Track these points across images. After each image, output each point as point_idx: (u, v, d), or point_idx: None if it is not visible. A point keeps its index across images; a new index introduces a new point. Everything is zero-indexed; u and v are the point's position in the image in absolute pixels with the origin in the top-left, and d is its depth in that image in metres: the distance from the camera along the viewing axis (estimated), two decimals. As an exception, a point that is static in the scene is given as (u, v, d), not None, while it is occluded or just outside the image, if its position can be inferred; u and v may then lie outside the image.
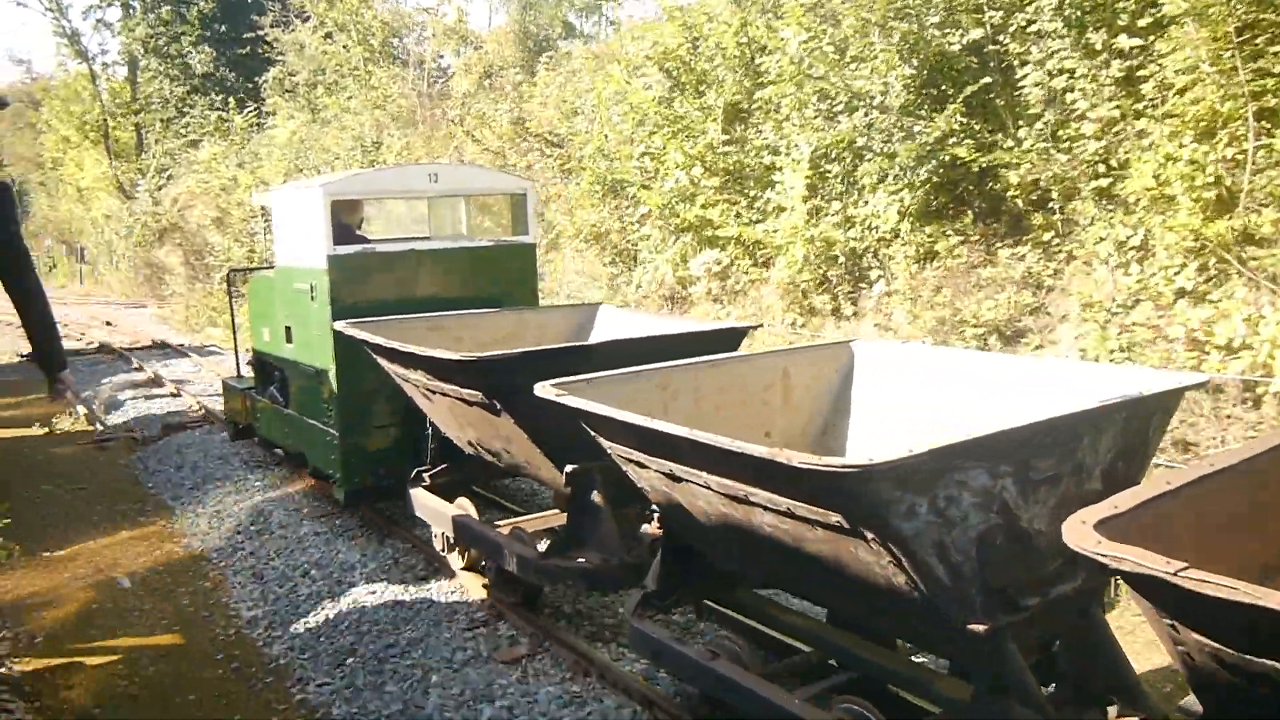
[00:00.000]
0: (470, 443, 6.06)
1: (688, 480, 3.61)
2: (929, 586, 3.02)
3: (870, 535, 2.93)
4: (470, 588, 6.19)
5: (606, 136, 12.01)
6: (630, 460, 3.96)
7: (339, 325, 6.16)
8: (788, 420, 4.87)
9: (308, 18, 24.54)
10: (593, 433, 4.08)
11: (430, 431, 6.59)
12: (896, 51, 8.14)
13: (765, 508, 3.27)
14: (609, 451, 4.09)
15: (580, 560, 5.14)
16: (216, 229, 21.65)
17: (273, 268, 8.98)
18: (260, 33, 25.52)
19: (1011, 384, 4.40)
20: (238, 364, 9.32)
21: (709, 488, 3.49)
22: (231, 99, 27.64)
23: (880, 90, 8.26)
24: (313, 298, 6.97)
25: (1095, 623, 3.50)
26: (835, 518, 2.96)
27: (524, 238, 7.55)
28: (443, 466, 6.64)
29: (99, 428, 11.11)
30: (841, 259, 8.93)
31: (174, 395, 14.11)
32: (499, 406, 5.08)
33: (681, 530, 4.23)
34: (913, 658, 4.34)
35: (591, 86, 13.01)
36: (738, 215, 10.01)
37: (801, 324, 9.03)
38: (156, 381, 14.96)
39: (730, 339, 5.78)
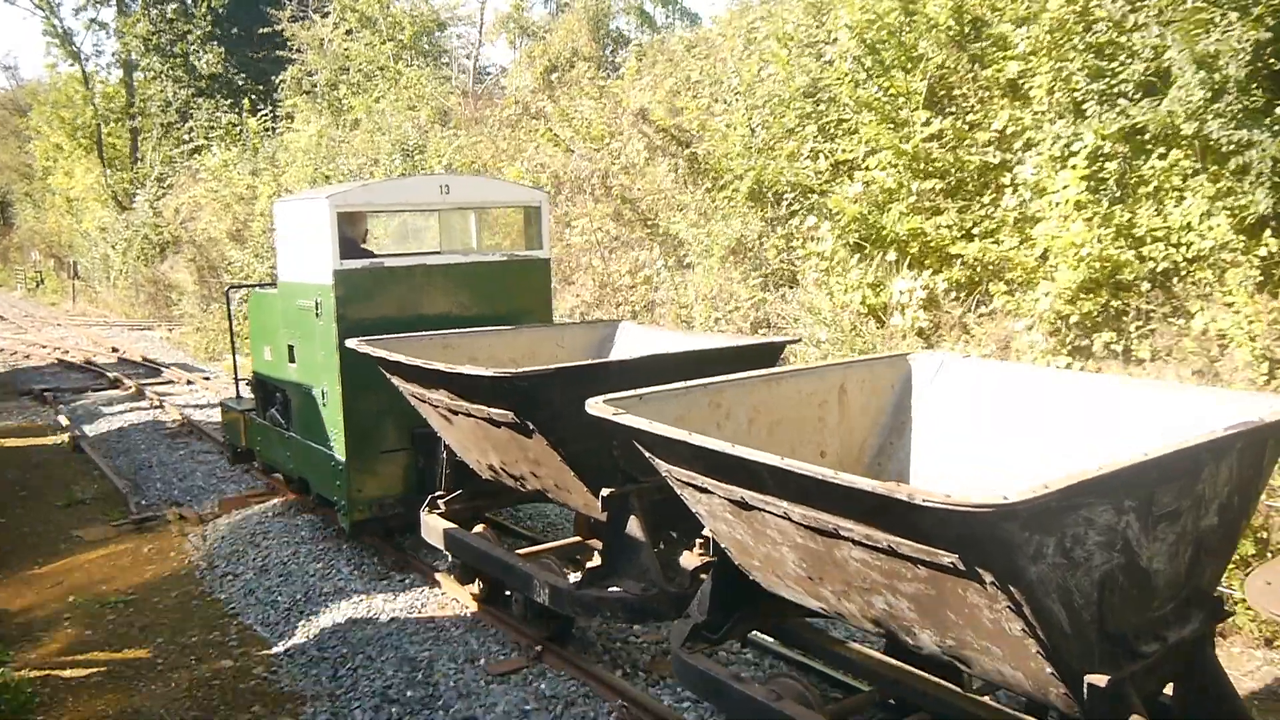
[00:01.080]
0: (491, 467, 5.72)
1: (762, 509, 3.30)
2: (1049, 634, 2.72)
3: (989, 579, 2.62)
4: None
5: (753, 130, 9.68)
6: (690, 484, 3.64)
7: (351, 342, 5.82)
8: (843, 439, 4.57)
9: (327, 12, 22.81)
10: (648, 453, 3.77)
11: (444, 455, 6.25)
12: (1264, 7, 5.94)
13: (857, 543, 2.96)
14: (666, 474, 3.77)
15: (618, 590, 4.82)
16: (234, 243, 19.30)
17: (274, 284, 8.64)
18: (276, 27, 23.89)
19: (1083, 405, 4.13)
20: (236, 384, 8.93)
21: (788, 518, 3.18)
22: (246, 100, 25.52)
23: (1219, 59, 6.07)
24: (318, 315, 6.62)
25: (1211, 668, 3.21)
26: (949, 558, 2.65)
27: (538, 252, 7.23)
28: (457, 492, 6.31)
29: (134, 504, 8.87)
30: (1146, 284, 6.52)
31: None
32: (531, 427, 4.75)
33: (741, 560, 3.91)
34: (976, 693, 4.04)
35: (734, 70, 10.56)
36: (966, 227, 7.70)
37: (1078, 368, 6.62)
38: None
39: (769, 354, 5.49)
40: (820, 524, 3.05)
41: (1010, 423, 4.34)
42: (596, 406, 3.75)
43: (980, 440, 4.42)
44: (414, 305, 6.72)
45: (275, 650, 5.91)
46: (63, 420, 12.78)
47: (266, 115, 23.46)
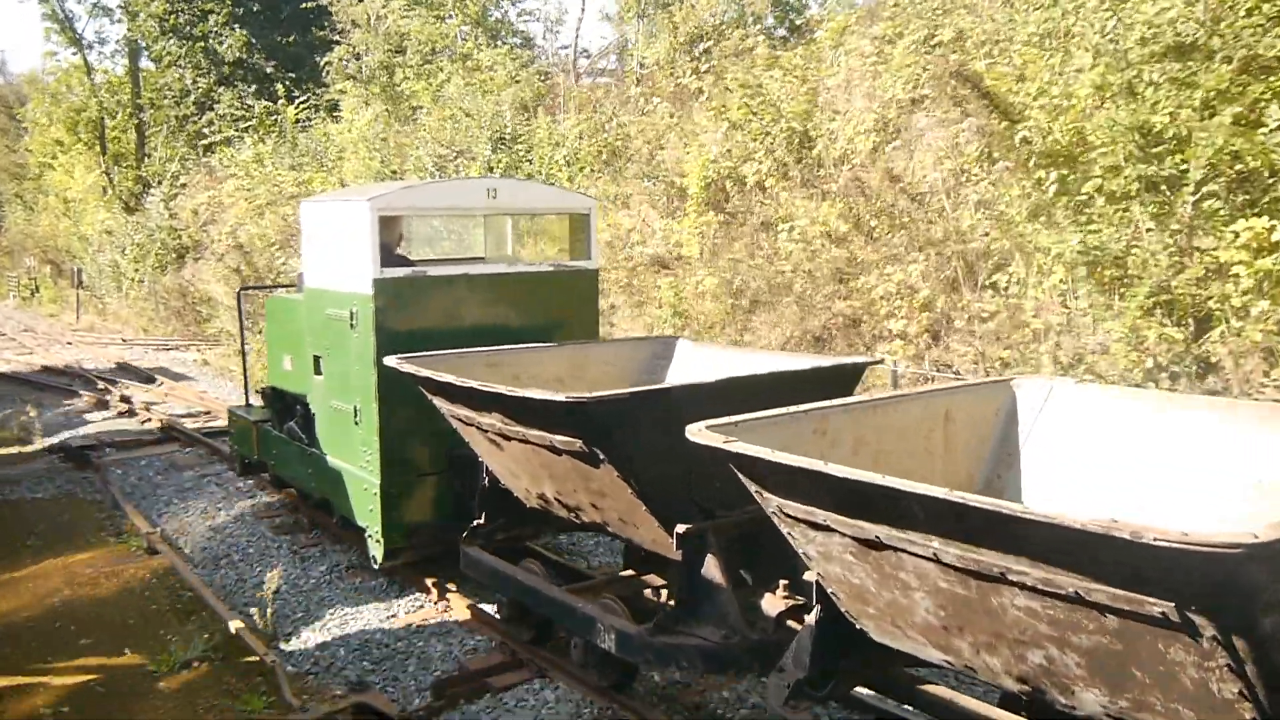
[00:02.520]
0: (543, 496, 5.40)
1: (900, 549, 2.99)
2: (1271, 699, 2.40)
3: (1210, 632, 2.31)
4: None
5: (1134, 91, 6.90)
6: (805, 521, 3.33)
7: (390, 361, 5.51)
8: (947, 471, 4.26)
9: None
10: (755, 486, 3.46)
11: (485, 482, 5.93)
12: None
13: (1028, 587, 2.65)
14: (775, 510, 3.46)
15: (695, 637, 4.49)
16: (281, 248, 16.96)
17: (292, 286, 8.37)
18: (320, 1, 21.91)
19: (1212, 434, 3.85)
20: (246, 391, 8.60)
21: (936, 560, 2.87)
22: (281, 86, 23.29)
23: None
24: (352, 326, 6.32)
25: None
26: (1159, 607, 2.34)
27: (586, 263, 6.96)
28: (499, 522, 5.99)
29: (284, 673, 5.43)
30: None
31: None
32: (601, 456, 4.44)
33: (851, 606, 3.59)
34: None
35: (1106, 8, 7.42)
36: None
37: None
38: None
39: (850, 377, 5.20)
40: (982, 567, 2.74)
41: (1133, 454, 4.05)
42: (702, 434, 3.43)
43: (1099, 472, 4.13)
44: (456, 317, 6.43)
45: None
46: (117, 498, 9.05)
47: (306, 104, 21.30)
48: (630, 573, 5.95)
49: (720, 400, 4.58)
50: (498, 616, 5.95)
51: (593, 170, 13.19)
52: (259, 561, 7.32)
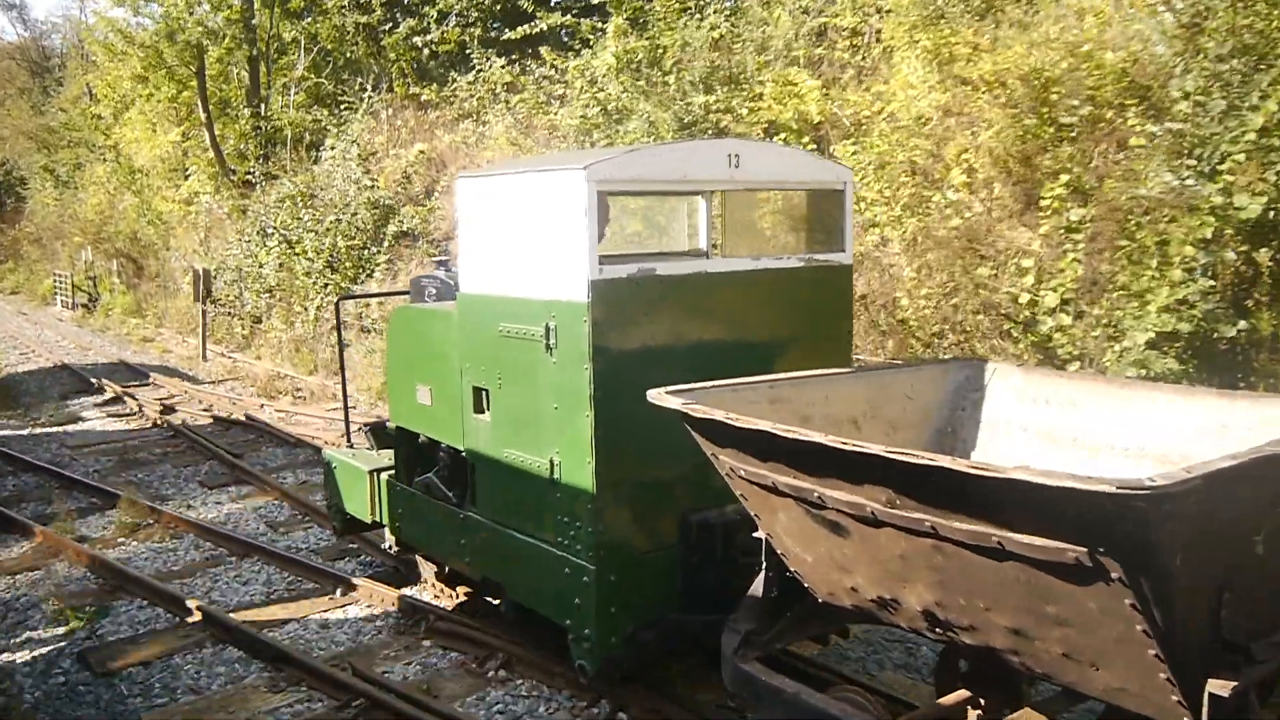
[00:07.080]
0: (886, 600, 3.81)
1: None
2: None
3: None
4: None
5: None
6: None
7: (670, 401, 3.86)
8: None
9: None
10: None
11: (765, 567, 4.34)
12: None
13: None
14: None
15: None
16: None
17: (405, 294, 6.74)
18: None
19: None
20: (347, 429, 6.89)
21: None
22: None
23: None
24: (549, 347, 4.68)
25: None
26: None
27: (838, 255, 5.36)
28: (781, 624, 4.42)
29: None
30: None
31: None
32: (1115, 574, 2.85)
33: None
34: None
35: None
36: None
37: None
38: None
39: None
40: None
41: None
42: None
43: None
44: (688, 331, 4.85)
45: None
46: None
47: None
48: (959, 697, 4.39)
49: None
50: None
51: None
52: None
